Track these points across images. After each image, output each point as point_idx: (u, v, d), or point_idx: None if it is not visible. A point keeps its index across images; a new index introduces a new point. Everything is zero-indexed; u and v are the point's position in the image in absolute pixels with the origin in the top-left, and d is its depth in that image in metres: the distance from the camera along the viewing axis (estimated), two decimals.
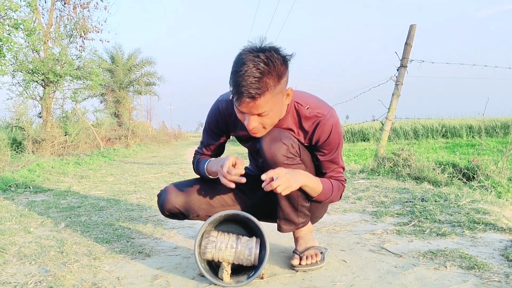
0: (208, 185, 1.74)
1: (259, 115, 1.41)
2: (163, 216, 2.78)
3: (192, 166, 1.87)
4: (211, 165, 1.66)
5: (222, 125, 1.71)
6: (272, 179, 1.42)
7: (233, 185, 1.47)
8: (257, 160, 1.82)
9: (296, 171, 1.51)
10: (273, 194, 1.57)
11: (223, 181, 1.47)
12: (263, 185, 1.43)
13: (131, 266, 1.74)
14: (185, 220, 2.63)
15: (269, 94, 1.35)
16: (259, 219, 1.92)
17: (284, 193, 1.44)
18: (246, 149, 1.86)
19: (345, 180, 1.72)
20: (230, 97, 1.59)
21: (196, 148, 1.87)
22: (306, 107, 1.56)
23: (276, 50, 1.38)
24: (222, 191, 1.75)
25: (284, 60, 1.40)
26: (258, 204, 1.81)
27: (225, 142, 1.81)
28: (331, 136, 1.57)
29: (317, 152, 1.63)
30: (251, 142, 1.70)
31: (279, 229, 1.70)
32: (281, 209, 1.65)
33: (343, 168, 1.70)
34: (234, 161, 1.50)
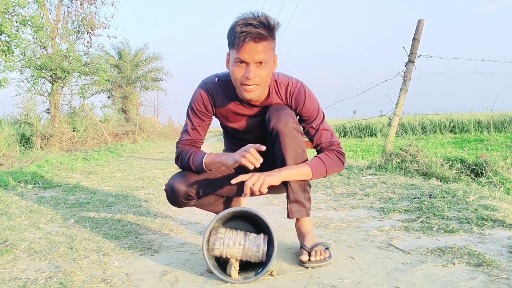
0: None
1: (259, 63, 1.52)
2: (171, 212, 2.82)
3: (177, 159, 1.80)
4: (212, 158, 1.68)
5: (211, 105, 1.78)
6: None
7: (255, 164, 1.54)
8: (241, 140, 1.88)
9: (273, 173, 1.60)
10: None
11: (247, 157, 1.54)
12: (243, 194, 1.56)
13: (140, 262, 1.76)
14: (193, 216, 2.66)
15: (267, 42, 1.52)
16: None
17: (255, 188, 1.54)
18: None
19: (339, 144, 1.78)
20: (216, 79, 1.74)
21: (179, 139, 1.83)
22: (282, 84, 1.74)
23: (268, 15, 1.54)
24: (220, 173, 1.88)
25: (275, 23, 1.55)
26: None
27: (209, 125, 1.87)
28: (306, 100, 1.73)
29: (301, 122, 1.78)
30: (242, 120, 1.79)
31: (289, 214, 1.73)
32: (291, 187, 1.70)
33: (330, 131, 1.78)
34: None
